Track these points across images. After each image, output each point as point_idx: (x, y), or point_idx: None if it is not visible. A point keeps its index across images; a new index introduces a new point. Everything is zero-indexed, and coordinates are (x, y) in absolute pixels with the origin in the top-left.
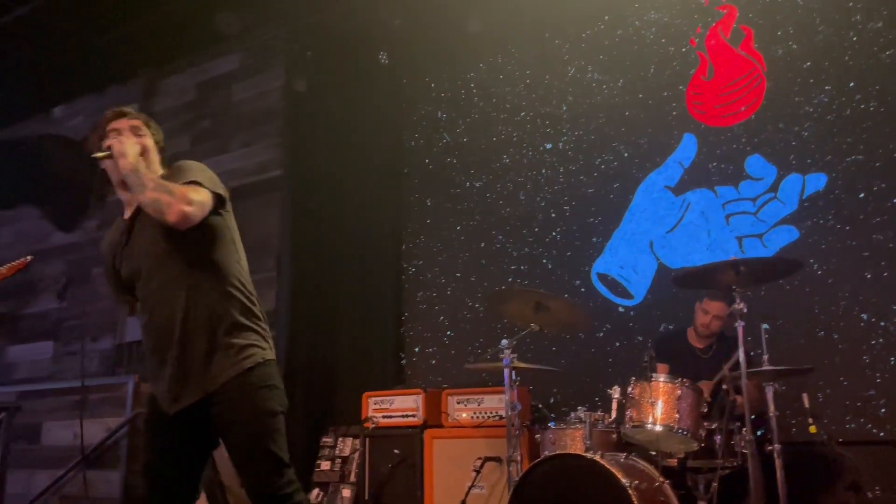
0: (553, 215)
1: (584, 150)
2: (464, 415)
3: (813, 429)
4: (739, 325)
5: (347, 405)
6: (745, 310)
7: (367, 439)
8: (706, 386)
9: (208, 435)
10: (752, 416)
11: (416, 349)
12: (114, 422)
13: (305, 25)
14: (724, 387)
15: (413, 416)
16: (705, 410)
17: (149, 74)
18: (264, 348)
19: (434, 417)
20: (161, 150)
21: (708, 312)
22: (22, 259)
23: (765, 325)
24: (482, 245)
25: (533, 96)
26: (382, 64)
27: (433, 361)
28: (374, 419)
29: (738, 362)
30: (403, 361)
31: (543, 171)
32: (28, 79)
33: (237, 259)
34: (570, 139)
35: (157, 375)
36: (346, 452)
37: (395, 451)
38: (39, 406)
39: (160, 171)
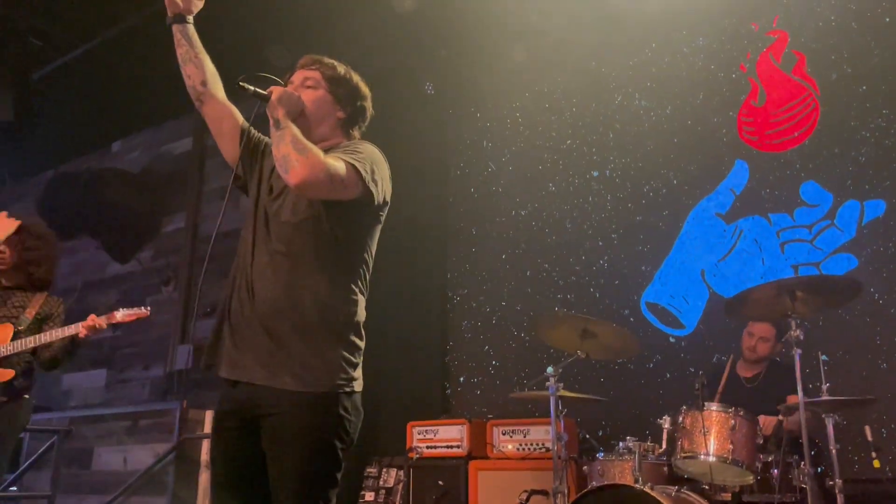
0: (600, 243)
1: (632, 178)
2: (509, 446)
3: (877, 463)
4: (796, 353)
5: (392, 435)
6: (802, 336)
7: (412, 470)
8: (767, 422)
9: None
10: (812, 452)
11: (461, 379)
12: (162, 448)
13: (351, 58)
14: (780, 417)
15: (458, 446)
16: (761, 442)
17: None
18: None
19: (479, 448)
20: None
21: (753, 335)
22: (144, 310)
23: (824, 356)
24: (528, 273)
25: (579, 124)
26: (428, 94)
27: (478, 391)
28: (419, 449)
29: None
30: (448, 391)
31: (590, 198)
32: (88, 115)
33: (365, 266)
34: (618, 167)
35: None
36: (391, 483)
37: (440, 482)
38: (91, 432)
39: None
